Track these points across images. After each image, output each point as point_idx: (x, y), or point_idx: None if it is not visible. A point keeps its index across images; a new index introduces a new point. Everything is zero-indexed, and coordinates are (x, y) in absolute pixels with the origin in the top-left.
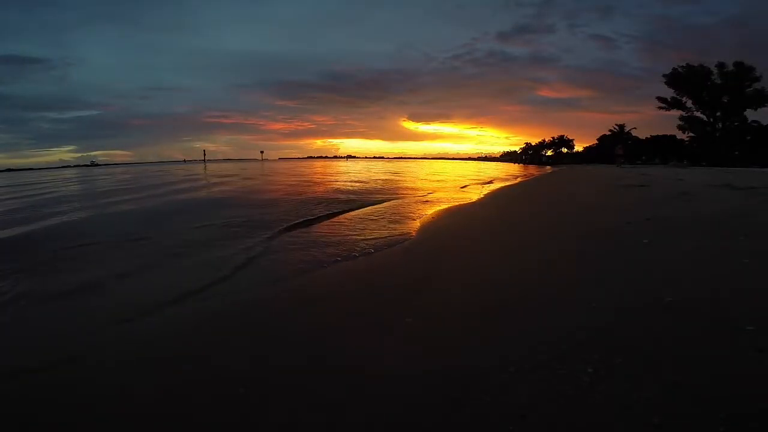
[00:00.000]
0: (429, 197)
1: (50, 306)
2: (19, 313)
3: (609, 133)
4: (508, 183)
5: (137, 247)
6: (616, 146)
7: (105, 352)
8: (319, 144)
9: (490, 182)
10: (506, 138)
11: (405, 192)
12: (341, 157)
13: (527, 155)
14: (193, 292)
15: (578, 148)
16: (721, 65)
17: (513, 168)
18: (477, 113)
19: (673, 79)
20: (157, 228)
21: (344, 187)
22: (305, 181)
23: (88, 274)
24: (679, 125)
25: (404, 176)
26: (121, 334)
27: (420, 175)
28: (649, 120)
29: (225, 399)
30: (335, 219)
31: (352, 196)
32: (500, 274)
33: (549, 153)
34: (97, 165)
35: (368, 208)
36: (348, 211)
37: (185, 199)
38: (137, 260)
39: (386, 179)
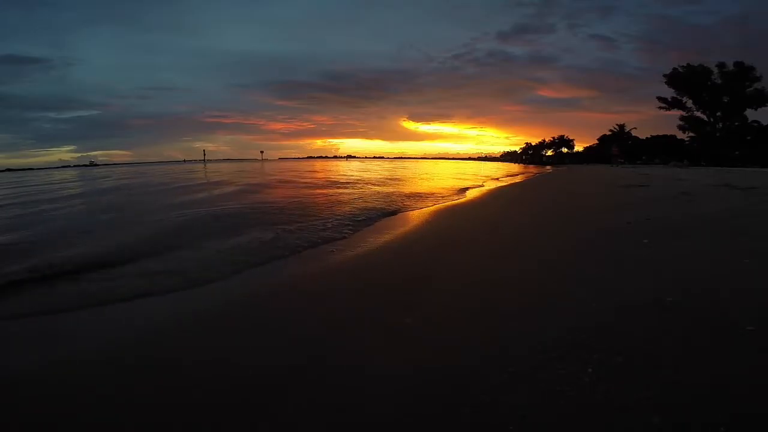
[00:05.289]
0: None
1: None
2: None
3: (609, 133)
4: (508, 183)
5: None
6: (612, 146)
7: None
8: (319, 144)
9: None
10: (506, 138)
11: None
12: (341, 157)
13: (527, 155)
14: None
15: (578, 148)
16: (721, 65)
17: (513, 167)
18: (477, 113)
19: (673, 79)
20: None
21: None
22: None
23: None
24: (679, 125)
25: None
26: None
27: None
28: (649, 120)
29: (224, 399)
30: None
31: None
32: (500, 274)
33: (549, 153)
34: (96, 165)
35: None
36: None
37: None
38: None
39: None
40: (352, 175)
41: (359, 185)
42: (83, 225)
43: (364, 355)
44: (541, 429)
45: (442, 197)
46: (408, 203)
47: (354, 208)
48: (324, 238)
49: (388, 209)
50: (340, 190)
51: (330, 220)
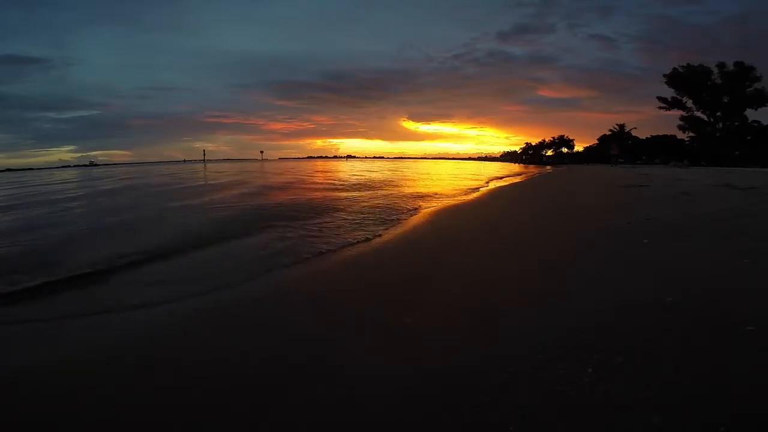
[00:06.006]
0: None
1: None
2: None
3: (609, 133)
4: (509, 183)
5: None
6: (611, 146)
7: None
8: (319, 144)
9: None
10: (506, 138)
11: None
12: (341, 157)
13: (527, 155)
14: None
15: (578, 148)
16: (721, 65)
17: (514, 167)
18: (477, 113)
19: (673, 79)
20: None
21: None
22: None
23: None
24: (679, 125)
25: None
26: None
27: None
28: (649, 120)
29: (224, 398)
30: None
31: None
32: (500, 274)
33: (549, 153)
34: (96, 165)
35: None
36: None
37: None
38: None
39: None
40: (359, 176)
41: (372, 187)
42: (96, 227)
43: (364, 355)
44: (541, 429)
45: (456, 196)
46: (423, 204)
47: (376, 208)
48: (355, 239)
49: (409, 208)
50: (358, 193)
51: (356, 220)
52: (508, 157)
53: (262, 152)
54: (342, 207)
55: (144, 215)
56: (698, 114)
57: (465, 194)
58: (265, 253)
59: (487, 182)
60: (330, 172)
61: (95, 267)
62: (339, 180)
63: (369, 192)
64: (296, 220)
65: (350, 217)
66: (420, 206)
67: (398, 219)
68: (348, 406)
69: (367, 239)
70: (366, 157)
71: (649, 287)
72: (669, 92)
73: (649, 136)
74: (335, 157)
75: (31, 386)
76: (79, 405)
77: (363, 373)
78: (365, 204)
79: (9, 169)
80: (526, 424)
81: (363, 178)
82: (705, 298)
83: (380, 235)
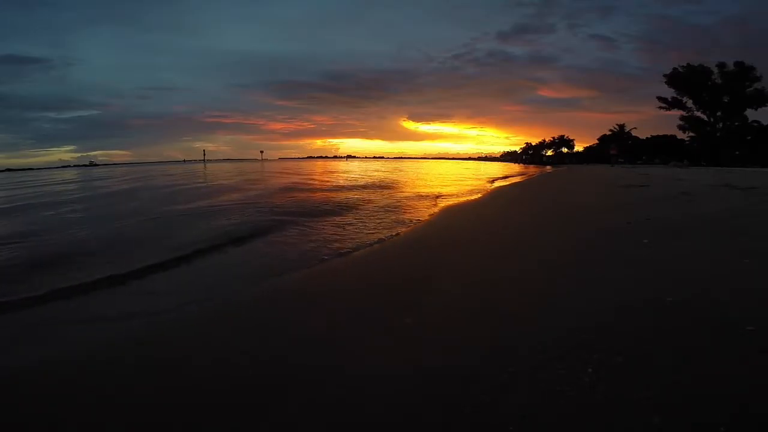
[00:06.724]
0: None
1: None
2: None
3: (609, 133)
4: (509, 183)
5: None
6: (610, 146)
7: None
8: (319, 144)
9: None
10: (506, 138)
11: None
12: (341, 157)
13: (527, 155)
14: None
15: (578, 148)
16: (721, 65)
17: (515, 167)
18: (477, 113)
19: (673, 79)
20: None
21: None
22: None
23: None
24: (679, 125)
25: None
26: None
27: None
28: (649, 120)
29: (224, 399)
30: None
31: None
32: (500, 274)
33: (549, 153)
34: (96, 165)
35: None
36: None
37: None
38: None
39: None
40: (362, 176)
41: (374, 187)
42: (101, 232)
43: (364, 355)
44: (541, 429)
45: (459, 196)
46: (428, 204)
47: (384, 208)
48: (369, 240)
49: (417, 208)
50: (361, 194)
51: (364, 221)
52: (508, 157)
53: (262, 152)
54: (348, 208)
55: (147, 219)
56: (698, 114)
57: (467, 194)
58: (271, 257)
59: (491, 181)
60: (332, 172)
61: (99, 274)
62: (342, 181)
63: (372, 192)
64: (305, 218)
65: (357, 219)
66: (431, 206)
67: (409, 221)
68: (348, 406)
69: (381, 240)
70: (366, 157)
71: (649, 287)
72: (669, 92)
73: (649, 136)
74: (335, 157)
75: (31, 386)
76: (78, 405)
77: (363, 373)
78: (373, 205)
79: (9, 169)
80: (526, 424)
81: (366, 178)
82: (705, 298)
83: (398, 235)
